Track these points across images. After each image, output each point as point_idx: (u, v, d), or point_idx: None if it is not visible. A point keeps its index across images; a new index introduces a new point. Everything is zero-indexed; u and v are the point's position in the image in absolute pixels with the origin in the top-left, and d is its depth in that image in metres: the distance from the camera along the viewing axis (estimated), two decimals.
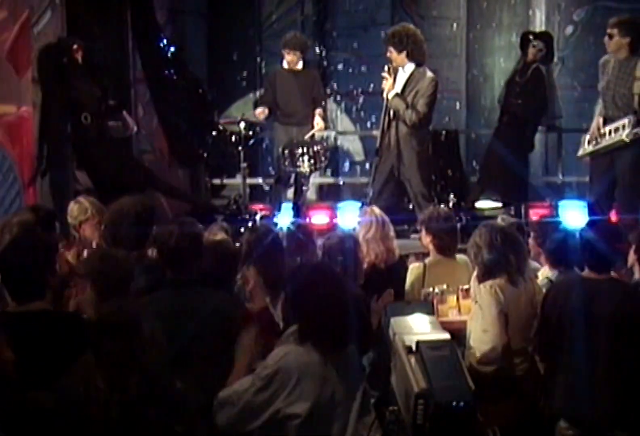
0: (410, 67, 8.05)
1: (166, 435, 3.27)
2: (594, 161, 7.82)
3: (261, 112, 9.13)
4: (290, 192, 9.39)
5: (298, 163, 8.75)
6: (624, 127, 7.51)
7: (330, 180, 10.87)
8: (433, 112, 8.23)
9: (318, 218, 8.09)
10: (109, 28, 8.93)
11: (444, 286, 5.48)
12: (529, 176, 9.43)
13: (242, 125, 8.99)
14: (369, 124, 11.23)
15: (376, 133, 10.56)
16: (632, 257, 5.01)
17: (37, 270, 3.80)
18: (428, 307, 4.04)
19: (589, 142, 7.77)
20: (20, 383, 3.47)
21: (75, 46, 8.03)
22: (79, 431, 3.28)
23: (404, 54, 7.98)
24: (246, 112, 10.98)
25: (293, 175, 9.18)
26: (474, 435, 3.39)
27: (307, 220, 8.07)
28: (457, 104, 11.27)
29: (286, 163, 8.79)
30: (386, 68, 8.14)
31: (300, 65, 9.24)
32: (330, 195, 10.68)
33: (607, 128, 7.59)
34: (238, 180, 10.67)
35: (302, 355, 3.67)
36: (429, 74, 8.08)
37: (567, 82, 11.10)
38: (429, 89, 7.96)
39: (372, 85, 11.18)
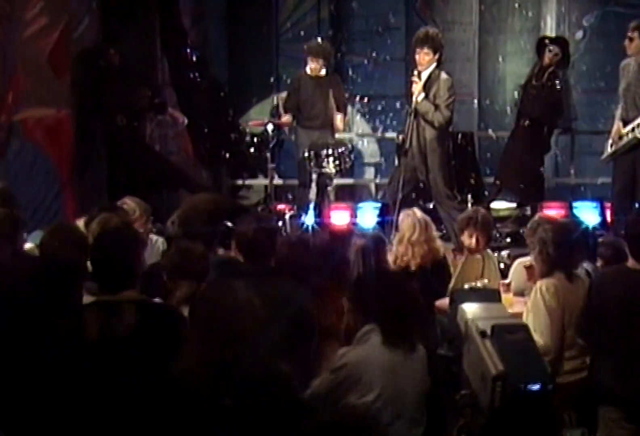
0: (430, 69, 8.26)
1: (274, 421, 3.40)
2: (616, 161, 8.13)
3: (288, 118, 9.40)
4: (312, 193, 9.66)
5: (324, 165, 9.01)
6: (638, 126, 7.84)
7: (348, 181, 11.12)
8: (454, 112, 8.49)
9: (338, 218, 8.36)
10: (139, 33, 9.18)
11: (485, 280, 5.78)
12: (544, 177, 9.73)
13: (270, 127, 9.21)
14: (384, 127, 11.50)
15: (391, 135, 10.98)
16: None
17: (129, 260, 4.06)
18: (495, 294, 4.31)
19: (611, 145, 8.08)
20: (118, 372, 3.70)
21: (111, 51, 8.31)
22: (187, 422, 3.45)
23: (437, 56, 8.18)
24: (264, 115, 11.36)
25: (315, 176, 9.46)
26: (551, 417, 3.62)
27: (328, 219, 8.37)
28: (470, 106, 11.54)
29: (312, 164, 9.04)
30: (415, 72, 8.29)
31: (323, 72, 9.49)
32: (347, 195, 10.93)
33: (625, 129, 7.92)
34: (258, 181, 11.03)
35: (367, 351, 4.01)
36: (444, 75, 8.27)
37: (577, 85, 11.40)
38: (446, 89, 8.17)
39: (386, 89, 11.52)
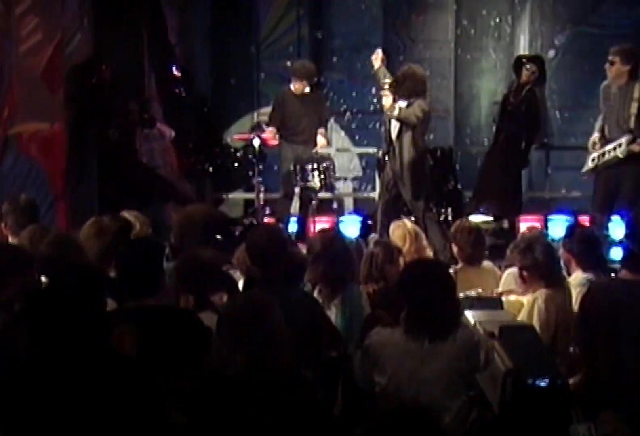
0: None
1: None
2: (598, 176, 8.46)
3: (272, 131, 9.62)
4: (295, 206, 9.90)
5: (309, 179, 9.24)
6: (620, 145, 8.18)
7: (326, 195, 11.33)
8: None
9: None
10: (128, 49, 9.38)
11: (479, 290, 5.99)
12: (521, 191, 10.03)
13: (257, 142, 9.42)
14: (364, 142, 11.75)
15: (371, 150, 11.26)
16: None
17: (155, 268, 4.25)
18: (497, 302, 4.56)
19: (592, 160, 8.40)
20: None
21: (103, 66, 8.49)
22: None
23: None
24: (244, 130, 11.57)
25: (298, 190, 9.70)
26: (561, 412, 3.84)
27: (312, 232, 8.60)
28: (446, 122, 11.83)
29: (297, 178, 9.28)
30: (387, 86, 8.56)
31: (307, 90, 9.75)
32: (328, 209, 11.15)
33: (607, 148, 8.25)
34: (237, 194, 11.24)
35: (388, 335, 4.29)
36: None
37: (548, 102, 11.72)
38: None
39: (365, 105, 11.78)
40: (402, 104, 8.44)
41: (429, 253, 6.47)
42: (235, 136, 10.26)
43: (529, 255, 5.50)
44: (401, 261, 6.18)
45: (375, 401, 4.29)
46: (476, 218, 10.25)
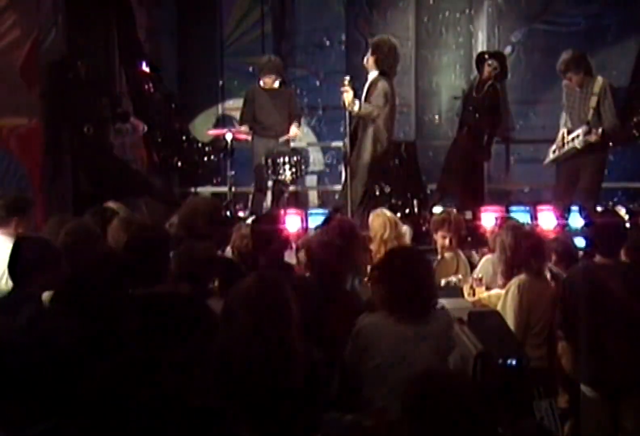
0: (373, 74, 8.83)
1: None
2: (560, 167, 8.81)
3: (245, 129, 9.82)
4: (268, 200, 10.10)
5: (280, 172, 9.44)
6: (578, 136, 8.54)
7: (294, 188, 11.56)
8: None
9: (291, 223, 8.82)
10: (100, 46, 9.52)
11: (459, 276, 6.29)
12: (484, 183, 10.35)
13: (229, 136, 9.61)
14: (328, 136, 12.02)
15: (338, 144, 11.53)
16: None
17: (162, 256, 4.45)
18: (457, 291, 4.87)
19: (553, 152, 8.75)
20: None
21: (79, 63, 8.63)
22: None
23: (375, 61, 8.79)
24: (209, 124, 11.79)
25: (271, 184, 9.91)
26: (525, 390, 4.10)
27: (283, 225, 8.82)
28: (407, 117, 12.12)
29: (269, 172, 9.48)
30: (346, 81, 8.78)
31: (276, 84, 9.95)
32: (294, 202, 11.38)
33: (566, 139, 8.61)
34: (204, 188, 11.43)
35: (376, 319, 4.48)
36: (382, 82, 8.92)
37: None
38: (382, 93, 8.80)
39: (329, 100, 12.03)
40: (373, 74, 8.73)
41: (407, 239, 6.73)
42: (210, 132, 10.40)
43: (508, 245, 5.79)
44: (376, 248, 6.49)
45: (365, 382, 4.49)
46: (439, 210, 10.60)
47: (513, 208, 10.24)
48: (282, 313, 3.84)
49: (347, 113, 8.87)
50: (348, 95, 8.69)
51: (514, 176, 11.65)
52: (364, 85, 9.04)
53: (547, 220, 8.53)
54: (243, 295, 4.03)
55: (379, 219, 6.71)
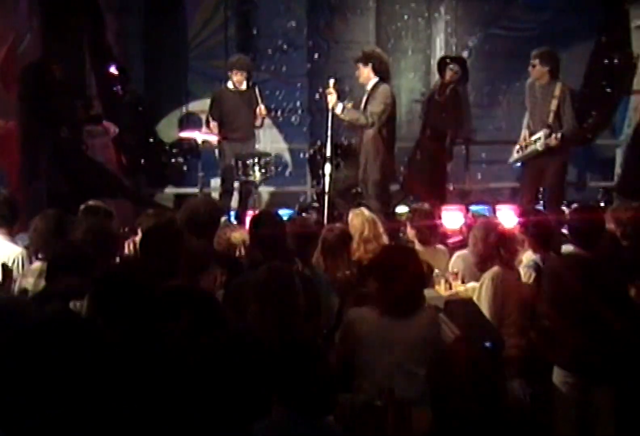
0: (372, 82, 9.05)
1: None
2: (525, 167, 9.19)
3: (215, 126, 10.01)
4: (235, 200, 10.32)
5: (250, 173, 9.67)
6: (540, 138, 8.93)
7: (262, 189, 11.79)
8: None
9: None
10: (71, 49, 9.67)
11: (436, 270, 6.59)
12: (446, 183, 10.69)
13: (200, 138, 9.81)
14: (289, 139, 12.28)
15: (301, 146, 11.82)
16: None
17: (175, 252, 4.68)
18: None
19: (517, 151, 9.13)
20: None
21: (54, 66, 8.78)
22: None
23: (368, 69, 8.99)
24: (173, 126, 11.98)
25: (237, 185, 10.14)
26: (501, 370, 4.40)
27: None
28: None
29: (239, 173, 9.70)
30: (331, 84, 8.96)
31: (244, 86, 10.17)
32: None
33: (531, 139, 8.99)
34: (168, 189, 11.64)
35: (365, 313, 4.77)
36: (383, 86, 9.06)
37: None
38: (380, 98, 8.99)
39: (291, 103, 12.30)
40: (348, 104, 8.94)
41: (385, 238, 6.99)
42: (181, 134, 10.56)
43: (480, 238, 6.13)
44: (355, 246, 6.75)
45: (355, 370, 4.76)
46: (402, 209, 10.92)
47: (473, 207, 10.67)
48: (291, 301, 4.11)
49: (330, 115, 9.02)
50: (332, 98, 8.91)
51: (472, 176, 12.00)
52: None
53: (506, 218, 8.88)
54: (257, 284, 4.30)
55: (359, 218, 6.91)
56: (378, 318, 4.68)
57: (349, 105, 8.93)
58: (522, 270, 6.17)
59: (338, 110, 8.93)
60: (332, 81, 8.92)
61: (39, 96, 8.68)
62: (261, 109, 10.03)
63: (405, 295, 4.79)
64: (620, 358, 5.33)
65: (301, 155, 12.08)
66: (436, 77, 11.34)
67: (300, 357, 3.52)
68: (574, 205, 7.75)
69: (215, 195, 10.35)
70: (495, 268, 6.01)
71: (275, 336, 3.98)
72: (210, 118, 10.09)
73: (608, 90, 11.64)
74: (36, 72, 8.70)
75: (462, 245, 7.64)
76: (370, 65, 9.00)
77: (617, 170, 11.68)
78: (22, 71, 8.61)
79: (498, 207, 10.24)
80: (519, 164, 9.60)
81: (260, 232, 5.40)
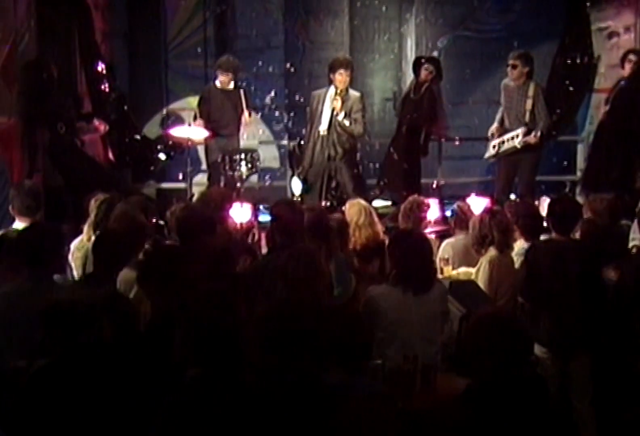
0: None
1: None
2: (500, 163, 9.73)
3: (202, 124, 10.43)
4: None
5: (236, 168, 10.11)
6: (517, 136, 9.47)
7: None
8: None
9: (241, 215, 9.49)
10: (63, 48, 10.02)
11: None
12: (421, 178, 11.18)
13: (187, 135, 10.20)
14: (267, 136, 12.72)
15: (284, 142, 12.32)
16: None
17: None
18: None
19: (493, 147, 9.67)
20: None
21: (51, 64, 9.13)
22: None
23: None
24: (154, 125, 12.36)
25: (222, 179, 10.55)
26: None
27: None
28: None
29: (226, 168, 10.13)
30: (338, 91, 9.75)
31: (231, 85, 10.61)
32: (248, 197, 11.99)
33: (505, 137, 9.53)
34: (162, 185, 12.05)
35: (383, 290, 5.32)
36: (355, 92, 9.80)
37: None
38: (361, 105, 9.65)
39: (268, 102, 12.74)
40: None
41: (379, 227, 7.46)
42: (171, 131, 10.92)
43: (477, 222, 6.67)
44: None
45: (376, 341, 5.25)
46: (377, 204, 11.39)
47: (446, 201, 11.16)
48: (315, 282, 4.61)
49: (329, 117, 9.65)
50: (338, 104, 9.63)
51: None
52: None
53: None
54: (282, 266, 4.78)
55: (355, 207, 7.40)
56: (397, 294, 5.20)
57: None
58: (515, 258, 6.70)
59: (340, 117, 9.55)
60: (338, 90, 9.56)
61: (38, 94, 8.99)
62: (246, 116, 10.48)
63: (422, 273, 5.35)
64: (589, 334, 5.84)
65: (282, 150, 12.51)
66: (407, 76, 11.88)
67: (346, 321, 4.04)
68: (552, 196, 8.32)
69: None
70: (492, 252, 6.56)
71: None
72: (198, 115, 10.50)
73: (571, 88, 12.21)
74: (34, 70, 9.00)
75: (446, 234, 8.20)
76: (350, 71, 9.61)
77: (580, 165, 12.26)
78: (21, 69, 8.91)
79: (472, 199, 10.73)
80: (493, 160, 10.12)
81: (281, 219, 5.86)
